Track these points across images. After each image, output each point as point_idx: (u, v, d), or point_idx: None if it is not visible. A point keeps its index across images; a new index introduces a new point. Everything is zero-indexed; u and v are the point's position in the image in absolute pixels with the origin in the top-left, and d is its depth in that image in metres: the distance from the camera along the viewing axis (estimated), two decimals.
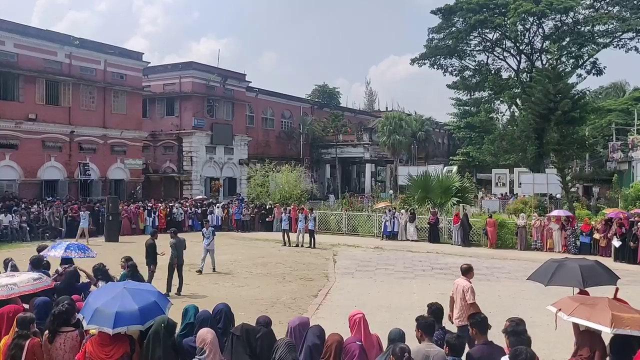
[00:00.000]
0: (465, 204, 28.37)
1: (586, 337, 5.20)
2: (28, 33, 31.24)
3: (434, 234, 25.22)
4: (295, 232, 24.62)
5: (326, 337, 5.24)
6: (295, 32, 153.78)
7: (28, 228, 24.59)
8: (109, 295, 5.43)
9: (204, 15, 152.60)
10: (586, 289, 7.30)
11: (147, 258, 13.74)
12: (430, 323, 5.45)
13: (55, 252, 10.15)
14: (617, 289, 7.26)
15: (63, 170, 32.53)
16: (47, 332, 5.59)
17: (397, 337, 5.28)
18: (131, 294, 5.35)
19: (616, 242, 19.96)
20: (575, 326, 5.58)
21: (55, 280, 8.14)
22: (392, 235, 26.06)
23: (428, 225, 25.58)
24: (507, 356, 4.82)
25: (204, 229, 17.62)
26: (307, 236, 23.78)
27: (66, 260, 10.00)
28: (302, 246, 23.56)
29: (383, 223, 26.47)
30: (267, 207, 31.15)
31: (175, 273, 14.05)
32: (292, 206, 28.63)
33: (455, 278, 16.22)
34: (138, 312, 5.15)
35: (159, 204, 30.40)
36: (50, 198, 29.76)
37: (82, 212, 25.27)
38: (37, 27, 33.32)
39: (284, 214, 25.93)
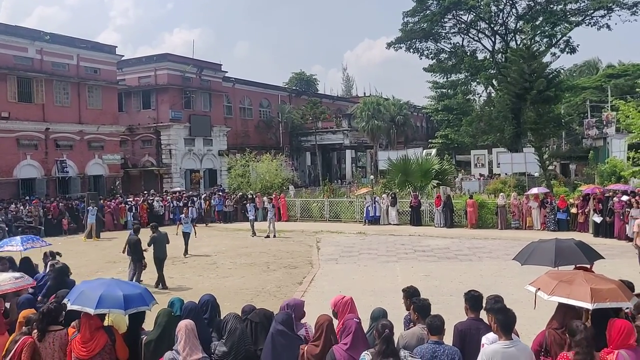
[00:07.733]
0: (446, 186, 28.63)
1: (559, 309, 5.18)
2: None
3: (416, 217, 25.43)
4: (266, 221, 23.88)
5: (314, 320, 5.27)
6: (268, 19, 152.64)
7: (7, 228, 24.21)
8: (98, 282, 5.68)
9: (175, 5, 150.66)
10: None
11: (134, 255, 13.62)
12: (426, 305, 5.40)
13: (11, 248, 10.33)
14: (591, 265, 7.43)
15: (40, 168, 32.05)
16: (36, 330, 5.59)
17: (379, 315, 5.50)
18: (118, 284, 5.54)
19: (597, 218, 20.24)
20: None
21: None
22: (374, 220, 26.23)
23: (410, 209, 25.74)
24: (492, 332, 4.87)
25: (183, 215, 19.68)
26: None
27: (52, 255, 10.08)
28: (274, 236, 22.95)
29: (365, 208, 26.63)
30: (249, 197, 30.99)
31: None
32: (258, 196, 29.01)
33: (438, 260, 16.59)
34: (122, 298, 5.25)
35: (138, 199, 30.16)
36: (29, 197, 29.34)
37: (91, 208, 24.42)
38: (5, 23, 32.59)
39: (248, 204, 25.21)
